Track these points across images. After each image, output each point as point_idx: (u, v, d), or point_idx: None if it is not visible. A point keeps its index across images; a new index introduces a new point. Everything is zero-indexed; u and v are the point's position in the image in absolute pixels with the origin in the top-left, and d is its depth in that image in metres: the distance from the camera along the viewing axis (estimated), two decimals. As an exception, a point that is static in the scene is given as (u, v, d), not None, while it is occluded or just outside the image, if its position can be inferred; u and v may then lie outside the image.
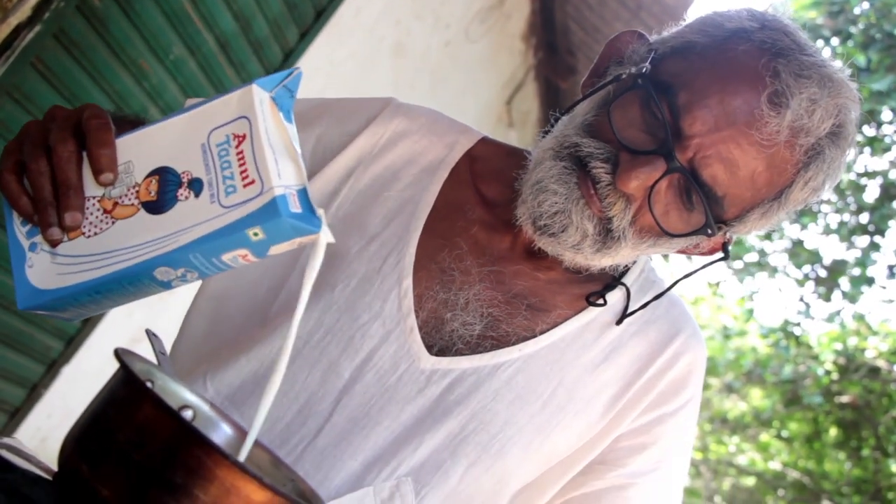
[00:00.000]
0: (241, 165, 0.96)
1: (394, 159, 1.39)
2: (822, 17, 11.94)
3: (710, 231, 1.19)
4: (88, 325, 3.64)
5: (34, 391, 3.61)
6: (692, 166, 1.16)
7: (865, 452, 13.68)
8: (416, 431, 1.25)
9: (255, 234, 0.94)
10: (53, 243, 0.99)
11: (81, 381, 3.69)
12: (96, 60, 2.96)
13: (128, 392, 0.86)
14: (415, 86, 5.00)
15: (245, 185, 0.95)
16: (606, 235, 1.21)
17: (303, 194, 0.97)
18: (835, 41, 11.50)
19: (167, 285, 0.99)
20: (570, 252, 1.24)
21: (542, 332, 1.31)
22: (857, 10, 11.62)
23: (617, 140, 1.19)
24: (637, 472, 1.34)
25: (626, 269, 1.39)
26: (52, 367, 3.64)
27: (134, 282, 0.97)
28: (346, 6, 4.06)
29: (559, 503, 1.37)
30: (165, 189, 0.98)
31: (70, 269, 0.98)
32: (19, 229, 1.02)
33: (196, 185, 0.97)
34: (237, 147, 0.97)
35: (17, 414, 3.59)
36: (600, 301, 1.35)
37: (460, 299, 1.29)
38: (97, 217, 0.99)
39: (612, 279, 1.37)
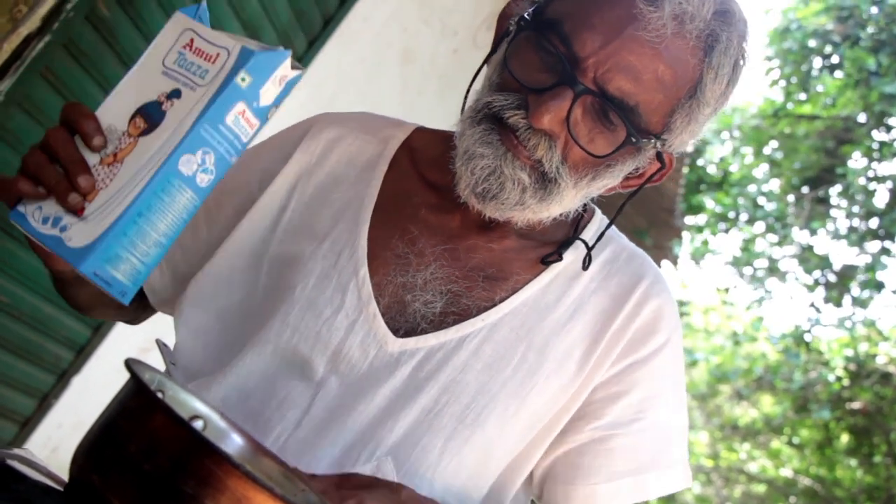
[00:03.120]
0: (201, 56, 1.08)
1: (333, 165, 1.43)
2: (832, 22, 11.94)
3: (634, 139, 1.22)
4: (98, 334, 3.64)
5: (44, 401, 3.62)
6: (597, 85, 1.19)
7: (877, 459, 13.63)
8: (390, 412, 1.28)
9: (243, 80, 1.04)
10: (77, 209, 1.03)
11: (92, 391, 3.69)
12: (105, 70, 2.96)
13: (139, 402, 0.86)
14: (423, 92, 5.00)
15: (213, 62, 1.06)
16: (543, 180, 1.24)
17: (259, 45, 1.07)
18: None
19: (193, 183, 1.05)
20: (517, 211, 1.27)
21: (501, 300, 1.34)
22: (865, 15, 11.60)
23: (522, 86, 1.22)
24: (615, 422, 1.35)
25: (583, 229, 1.42)
26: (63, 377, 3.64)
27: (166, 188, 1.03)
28: (354, 13, 4.07)
29: (543, 467, 1.38)
30: (150, 114, 1.07)
31: (104, 214, 1.02)
32: (43, 227, 1.05)
33: (175, 94, 1.07)
34: (190, 49, 1.09)
35: (28, 424, 3.59)
36: (554, 258, 1.37)
37: (418, 280, 1.32)
38: (105, 172, 1.05)
39: (567, 239, 1.40)
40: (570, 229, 1.41)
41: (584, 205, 1.39)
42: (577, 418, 1.35)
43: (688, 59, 1.21)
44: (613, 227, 1.46)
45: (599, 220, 1.45)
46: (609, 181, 1.29)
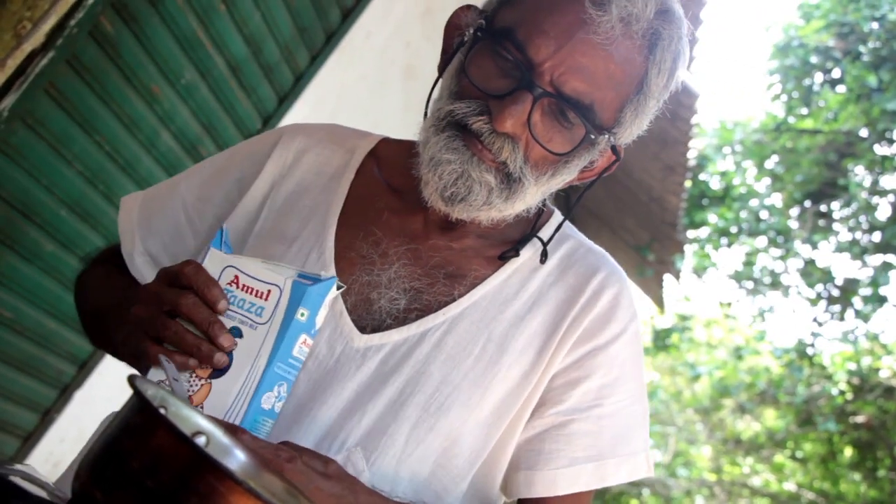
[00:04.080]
0: (251, 293, 1.18)
1: (302, 174, 1.50)
2: (833, 38, 11.95)
3: (592, 136, 1.29)
4: (100, 349, 3.64)
5: (47, 416, 3.61)
6: (554, 87, 1.27)
7: (881, 473, 13.57)
8: (358, 404, 1.33)
9: (302, 315, 1.16)
10: (222, 365, 1.16)
11: (94, 406, 3.69)
12: (108, 86, 2.97)
13: (141, 418, 0.86)
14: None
15: (266, 298, 1.17)
16: (508, 180, 1.31)
17: (301, 275, 1.19)
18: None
19: (273, 413, 1.19)
20: (484, 211, 1.34)
21: (461, 295, 1.40)
22: (866, 31, 11.62)
23: (482, 93, 1.30)
24: (574, 407, 1.40)
25: (541, 227, 1.49)
26: (65, 392, 3.64)
27: (254, 427, 1.16)
28: (357, 29, 4.08)
29: (512, 453, 1.43)
30: None
31: None
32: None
33: (235, 332, 1.17)
34: (238, 286, 1.19)
35: (30, 439, 3.59)
36: (512, 255, 1.44)
37: (383, 279, 1.39)
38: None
39: (525, 236, 1.46)
40: (528, 227, 1.47)
41: (543, 204, 1.45)
42: (539, 405, 1.41)
43: (635, 57, 1.30)
44: (571, 225, 1.54)
45: (557, 218, 1.52)
46: (567, 176, 1.37)
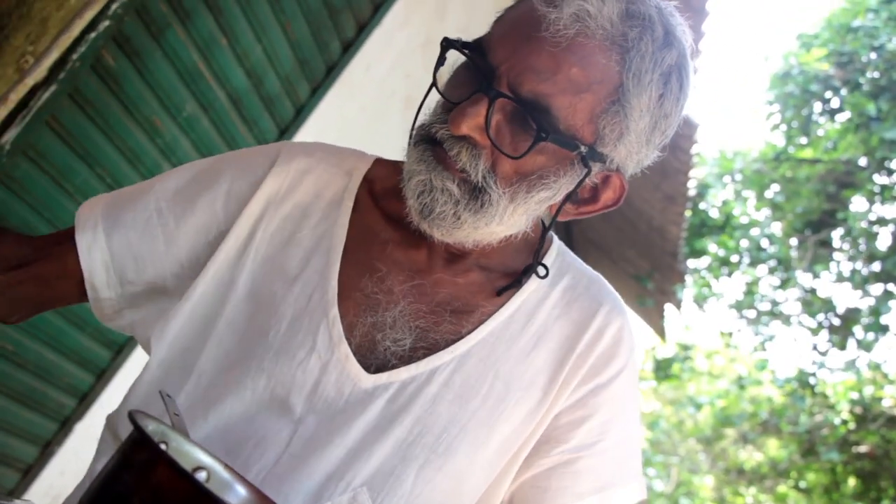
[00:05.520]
0: None
1: (301, 197, 1.44)
2: (832, 67, 12.02)
3: (544, 135, 1.21)
4: (101, 381, 3.63)
5: (47, 449, 3.60)
6: (511, 90, 1.22)
7: (885, 503, 13.50)
8: (366, 444, 1.30)
9: None
10: None
11: (95, 439, 3.66)
12: (110, 118, 2.99)
13: (142, 454, 0.86)
14: (426, 139, 5.03)
15: None
16: (473, 191, 1.25)
17: None
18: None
19: None
20: (456, 228, 1.28)
21: (468, 333, 1.37)
22: (865, 60, 11.69)
23: (448, 102, 1.27)
24: (580, 445, 1.39)
25: (542, 257, 1.45)
26: (65, 425, 3.62)
27: None
28: (357, 62, 4.10)
29: (511, 490, 1.41)
30: None
31: None
32: None
33: None
34: None
35: (30, 472, 3.57)
36: (512, 289, 1.40)
37: (387, 319, 1.34)
38: None
39: (527, 267, 1.42)
40: (530, 258, 1.43)
41: (543, 235, 1.42)
42: (543, 442, 1.39)
43: (599, 59, 1.22)
44: (572, 254, 1.50)
45: (558, 247, 1.49)
46: (545, 194, 1.29)
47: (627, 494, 1.43)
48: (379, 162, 1.51)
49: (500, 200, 1.26)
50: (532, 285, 1.42)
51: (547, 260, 1.45)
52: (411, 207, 1.29)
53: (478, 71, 1.25)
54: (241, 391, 1.31)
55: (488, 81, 1.22)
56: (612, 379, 1.40)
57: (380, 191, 1.45)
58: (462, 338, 1.36)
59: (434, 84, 1.31)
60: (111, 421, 1.44)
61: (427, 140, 1.29)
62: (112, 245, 1.42)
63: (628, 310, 1.48)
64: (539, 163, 1.26)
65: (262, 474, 1.27)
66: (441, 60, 1.31)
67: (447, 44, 1.30)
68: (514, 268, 1.43)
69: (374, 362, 1.33)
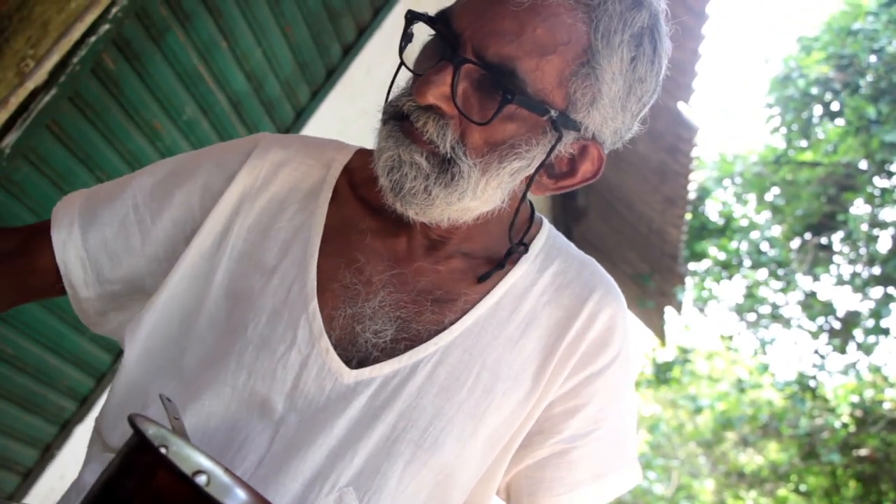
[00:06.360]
0: None
1: (277, 190, 1.41)
2: (832, 70, 12.02)
3: (510, 97, 1.18)
4: (101, 384, 3.64)
5: (47, 452, 3.60)
6: (476, 55, 1.19)
7: (885, 506, 13.50)
8: (349, 442, 1.27)
9: None
10: None
11: (94, 442, 3.67)
12: (110, 122, 2.99)
13: (142, 458, 0.85)
14: (426, 143, 5.04)
15: None
16: (443, 164, 1.22)
17: None
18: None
19: None
20: (428, 204, 1.25)
21: (452, 323, 1.33)
22: (865, 64, 11.69)
23: (415, 74, 1.24)
24: (575, 434, 1.37)
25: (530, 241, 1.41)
26: (65, 428, 3.63)
27: None
28: (357, 65, 4.10)
29: (506, 481, 1.40)
30: None
31: None
32: None
33: None
34: None
35: (30, 475, 3.58)
36: (495, 275, 1.36)
37: (367, 310, 1.31)
38: None
39: (510, 248, 1.38)
40: (516, 241, 1.39)
41: (532, 217, 1.40)
42: (536, 432, 1.37)
43: (564, 19, 1.19)
44: (563, 238, 1.47)
45: (548, 231, 1.45)
46: (518, 163, 1.25)
47: (623, 480, 1.42)
48: (361, 152, 1.48)
49: (471, 172, 1.23)
50: (519, 271, 1.39)
51: (536, 244, 1.41)
52: (383, 186, 1.26)
53: (443, 40, 1.22)
54: (220, 387, 1.29)
55: (453, 49, 1.20)
56: (605, 367, 1.37)
57: (359, 180, 1.42)
58: (445, 328, 1.33)
59: (401, 61, 1.29)
60: (97, 422, 1.42)
61: (395, 116, 1.26)
62: (88, 243, 1.40)
63: (623, 298, 1.43)
64: (510, 131, 1.23)
65: (246, 477, 1.25)
66: (407, 35, 1.29)
67: (411, 16, 1.27)
68: (498, 253, 1.38)
69: (355, 356, 1.30)
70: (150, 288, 1.41)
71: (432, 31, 1.28)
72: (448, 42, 1.21)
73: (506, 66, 1.19)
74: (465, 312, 1.35)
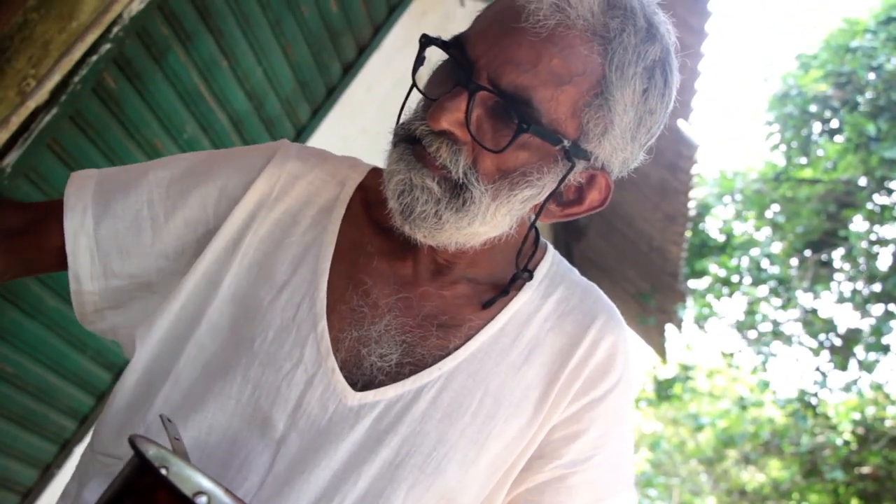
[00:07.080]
0: None
1: (291, 203, 1.41)
2: (831, 88, 12.06)
3: (525, 126, 1.19)
4: (102, 403, 3.63)
5: (47, 471, 3.59)
6: (491, 82, 1.19)
7: (888, 524, 13.45)
8: (353, 466, 1.27)
9: None
10: None
11: (94, 461, 3.66)
12: (111, 141, 2.99)
13: (143, 479, 0.85)
14: (426, 161, 5.04)
15: None
16: (454, 188, 1.23)
17: None
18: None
19: None
20: (438, 229, 1.25)
21: (456, 348, 1.34)
22: (863, 81, 11.73)
23: (429, 99, 1.25)
24: (575, 460, 1.37)
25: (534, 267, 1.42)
26: (66, 447, 3.62)
27: None
28: (357, 83, 4.11)
29: (506, 503, 1.39)
30: None
31: None
32: None
33: None
34: None
35: (30, 495, 3.57)
36: (500, 302, 1.37)
37: (373, 333, 1.32)
38: None
39: (515, 274, 1.39)
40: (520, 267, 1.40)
41: (527, 235, 1.39)
42: (537, 457, 1.37)
43: (580, 50, 1.20)
44: (567, 264, 1.47)
45: (552, 257, 1.46)
46: (529, 192, 1.26)
47: (621, 503, 1.42)
48: (375, 171, 1.48)
49: (482, 198, 1.23)
50: (523, 297, 1.39)
51: (540, 270, 1.42)
52: (392, 209, 1.26)
53: (457, 65, 1.23)
54: (225, 400, 1.29)
55: (468, 75, 1.20)
56: (606, 393, 1.38)
57: (370, 199, 1.42)
58: (450, 353, 1.33)
59: (414, 84, 1.30)
60: (96, 426, 1.40)
61: (407, 139, 1.26)
62: (99, 234, 1.39)
63: (625, 324, 1.45)
64: (522, 159, 1.23)
65: (248, 498, 1.24)
66: (420, 59, 1.29)
67: (426, 40, 1.27)
68: (503, 279, 1.39)
69: (360, 378, 1.30)
70: (155, 285, 1.40)
71: (444, 55, 1.28)
72: (463, 68, 1.22)
73: (521, 96, 1.19)
74: (469, 338, 1.35)
